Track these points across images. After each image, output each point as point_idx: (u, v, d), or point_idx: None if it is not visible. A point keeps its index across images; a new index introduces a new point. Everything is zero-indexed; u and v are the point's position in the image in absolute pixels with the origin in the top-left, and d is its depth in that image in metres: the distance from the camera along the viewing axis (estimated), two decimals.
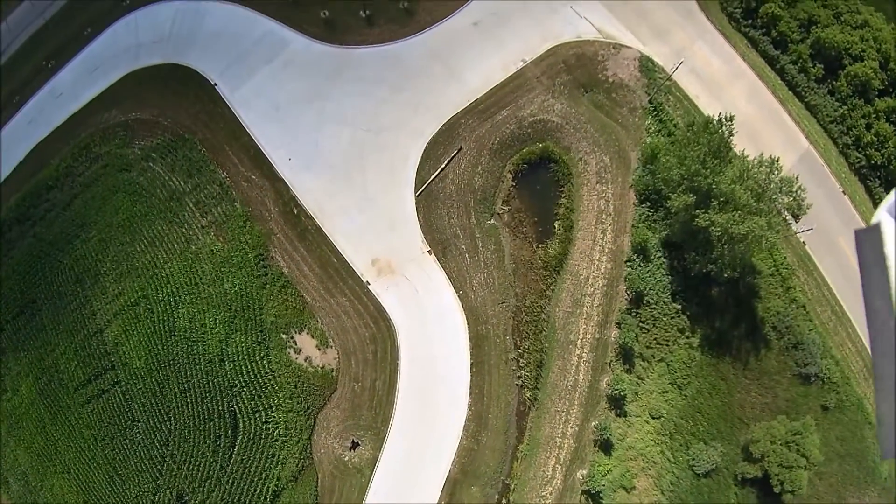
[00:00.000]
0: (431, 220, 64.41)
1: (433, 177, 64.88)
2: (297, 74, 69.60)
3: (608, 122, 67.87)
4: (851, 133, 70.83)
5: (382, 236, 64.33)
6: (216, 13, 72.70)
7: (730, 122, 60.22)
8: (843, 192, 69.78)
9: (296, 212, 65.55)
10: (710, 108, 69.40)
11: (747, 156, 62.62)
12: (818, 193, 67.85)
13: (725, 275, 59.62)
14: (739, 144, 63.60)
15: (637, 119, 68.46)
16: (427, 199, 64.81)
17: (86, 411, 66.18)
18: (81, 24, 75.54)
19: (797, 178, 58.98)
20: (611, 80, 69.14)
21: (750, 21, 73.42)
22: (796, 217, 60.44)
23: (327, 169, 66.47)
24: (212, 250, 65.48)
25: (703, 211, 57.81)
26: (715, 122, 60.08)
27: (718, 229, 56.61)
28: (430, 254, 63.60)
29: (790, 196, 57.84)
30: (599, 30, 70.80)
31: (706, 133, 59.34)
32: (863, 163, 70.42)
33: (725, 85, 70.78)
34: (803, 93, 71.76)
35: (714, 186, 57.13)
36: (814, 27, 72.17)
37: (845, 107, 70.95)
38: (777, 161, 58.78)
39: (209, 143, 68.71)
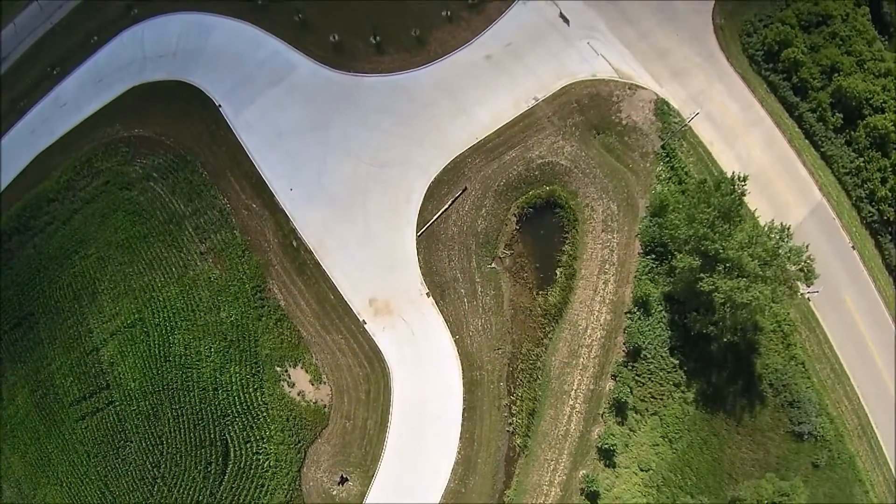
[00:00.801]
0: (431, 262, 63.70)
1: (435, 217, 63.98)
2: (302, 100, 68.25)
3: (618, 166, 66.45)
4: (866, 186, 69.29)
5: (381, 275, 63.75)
6: (223, 30, 71.03)
7: (743, 183, 58.83)
8: (853, 246, 68.44)
9: (295, 245, 64.93)
10: (724, 155, 68.06)
11: (758, 216, 61.43)
12: (827, 248, 66.85)
13: (725, 339, 58.95)
14: (751, 196, 62.34)
15: (648, 164, 66.99)
16: (428, 240, 64.01)
17: (80, 427, 66.76)
18: (88, 32, 74.10)
19: (807, 247, 57.85)
20: (624, 122, 67.47)
21: (771, 65, 71.30)
22: (805, 284, 59.44)
23: (329, 202, 65.59)
24: (209, 278, 65.14)
25: (708, 275, 56.85)
26: (727, 182, 58.62)
27: (722, 296, 55.75)
28: (429, 296, 63.06)
29: (798, 266, 56.79)
30: (616, 68, 68.84)
31: (718, 193, 57.95)
32: (875, 217, 68.99)
33: (741, 132, 68.98)
34: (820, 142, 70.04)
35: (721, 252, 56.04)
36: (836, 75, 70.06)
37: (862, 159, 69.34)
38: (788, 229, 57.57)
39: (211, 166, 67.82)
